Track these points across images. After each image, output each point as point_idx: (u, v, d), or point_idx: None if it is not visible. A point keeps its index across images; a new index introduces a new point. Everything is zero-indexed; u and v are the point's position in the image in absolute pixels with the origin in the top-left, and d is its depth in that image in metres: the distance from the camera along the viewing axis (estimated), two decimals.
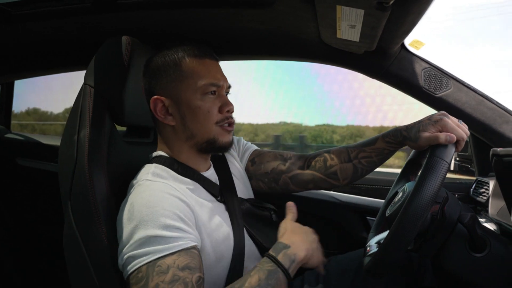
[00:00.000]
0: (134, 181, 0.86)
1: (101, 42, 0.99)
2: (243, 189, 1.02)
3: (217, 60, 0.94)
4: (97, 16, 1.12)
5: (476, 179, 1.40)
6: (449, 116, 0.87)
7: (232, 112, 0.92)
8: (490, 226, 1.12)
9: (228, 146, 0.93)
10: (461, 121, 0.87)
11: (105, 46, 0.98)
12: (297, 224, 0.88)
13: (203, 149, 0.91)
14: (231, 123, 0.92)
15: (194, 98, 0.88)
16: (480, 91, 1.24)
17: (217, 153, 0.98)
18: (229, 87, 0.95)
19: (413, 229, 0.73)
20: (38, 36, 1.28)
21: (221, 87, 0.91)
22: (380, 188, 1.59)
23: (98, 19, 1.15)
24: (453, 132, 0.83)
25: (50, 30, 1.24)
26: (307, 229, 0.88)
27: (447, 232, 0.86)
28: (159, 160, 0.90)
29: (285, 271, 0.77)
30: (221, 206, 0.92)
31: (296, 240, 0.82)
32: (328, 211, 1.54)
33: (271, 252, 0.80)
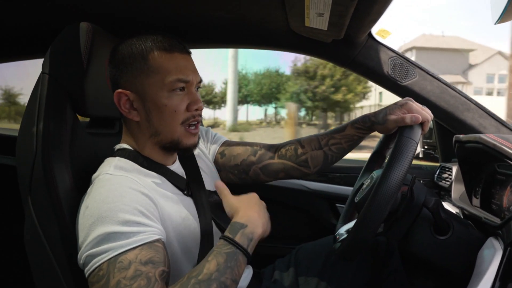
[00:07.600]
0: (95, 175, 0.83)
1: (60, 29, 0.94)
2: (210, 181, 1.01)
3: (188, 54, 0.89)
4: (56, 0, 1.06)
5: (440, 165, 1.45)
6: (414, 101, 0.91)
7: (201, 109, 0.88)
8: (453, 209, 1.16)
9: (192, 148, 0.90)
10: (425, 106, 0.91)
11: (64, 33, 0.93)
12: (246, 197, 0.85)
13: (166, 148, 0.88)
14: (198, 121, 0.89)
15: (160, 96, 0.83)
16: (444, 80, 1.27)
17: (180, 152, 0.95)
18: (200, 81, 0.89)
19: (387, 205, 0.75)
20: None
21: (190, 83, 0.86)
22: (348, 176, 1.62)
23: (56, 4, 1.08)
24: (418, 113, 0.86)
25: (3, 14, 1.16)
26: (256, 198, 0.85)
27: (415, 213, 0.89)
28: (123, 153, 0.87)
29: (244, 251, 0.75)
30: (188, 200, 0.90)
31: (253, 216, 0.80)
32: (298, 200, 1.56)
33: (227, 233, 0.77)
